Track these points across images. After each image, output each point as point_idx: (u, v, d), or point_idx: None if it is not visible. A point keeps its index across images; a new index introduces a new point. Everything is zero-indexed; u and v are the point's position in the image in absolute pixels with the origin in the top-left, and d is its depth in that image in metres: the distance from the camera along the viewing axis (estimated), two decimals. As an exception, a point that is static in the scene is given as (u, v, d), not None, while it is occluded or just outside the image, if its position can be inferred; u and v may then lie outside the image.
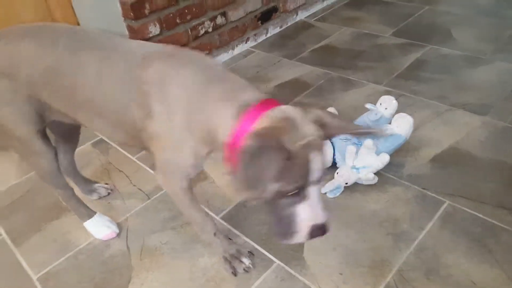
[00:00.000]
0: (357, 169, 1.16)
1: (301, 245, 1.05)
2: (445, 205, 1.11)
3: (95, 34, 0.87)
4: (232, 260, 1.00)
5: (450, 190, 1.15)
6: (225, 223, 1.14)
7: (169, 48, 0.84)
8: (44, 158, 0.97)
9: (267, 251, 1.05)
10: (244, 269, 0.99)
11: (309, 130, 0.69)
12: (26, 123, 0.90)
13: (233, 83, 0.79)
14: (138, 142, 0.86)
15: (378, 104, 1.29)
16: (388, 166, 1.20)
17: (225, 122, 0.74)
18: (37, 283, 1.04)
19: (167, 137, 0.79)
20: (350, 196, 1.17)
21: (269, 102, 0.74)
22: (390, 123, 1.25)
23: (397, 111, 1.27)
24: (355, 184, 1.19)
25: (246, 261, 1.00)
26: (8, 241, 1.17)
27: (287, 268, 1.00)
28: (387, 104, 1.27)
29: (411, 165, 1.24)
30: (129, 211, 1.22)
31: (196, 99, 0.75)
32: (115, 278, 1.03)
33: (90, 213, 1.13)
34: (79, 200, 1.12)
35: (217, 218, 1.16)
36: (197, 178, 1.32)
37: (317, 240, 1.05)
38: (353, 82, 1.69)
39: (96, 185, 1.27)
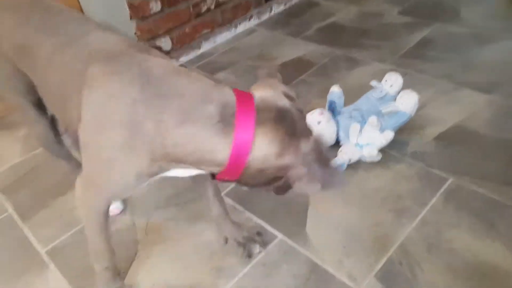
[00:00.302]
0: (361, 146, 1.16)
1: (304, 221, 1.06)
2: (448, 182, 1.11)
3: (68, 18, 0.82)
4: (246, 242, 1.00)
5: (454, 167, 1.15)
6: (229, 199, 1.15)
7: (125, 46, 0.71)
8: (38, 127, 1.03)
9: (271, 226, 1.06)
10: (259, 251, 1.00)
11: (296, 111, 0.66)
12: (18, 93, 0.95)
13: (190, 96, 0.63)
14: None
15: (383, 81, 1.28)
16: (392, 144, 1.20)
17: (214, 142, 0.62)
18: (44, 257, 1.07)
19: (95, 150, 0.68)
20: (353, 174, 1.17)
21: (243, 100, 0.63)
22: (395, 101, 1.24)
23: (402, 89, 1.26)
24: (359, 161, 1.19)
25: (258, 239, 1.01)
26: (16, 217, 1.19)
27: (290, 242, 1.02)
28: (392, 81, 1.25)
29: (415, 143, 1.24)
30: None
31: (144, 116, 0.62)
32: (121, 251, 1.05)
33: None
34: None
35: (221, 194, 1.17)
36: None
37: (320, 216, 1.07)
38: (358, 61, 1.67)
39: None
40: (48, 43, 0.78)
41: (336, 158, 1.17)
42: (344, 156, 1.16)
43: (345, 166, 1.18)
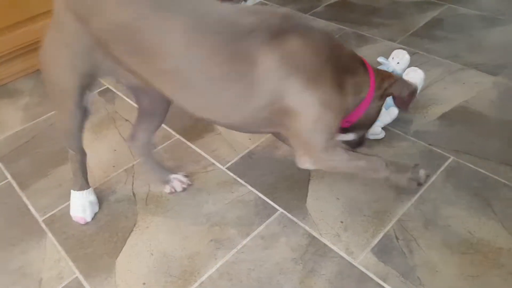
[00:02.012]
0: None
1: (304, 195, 1.07)
2: (449, 160, 1.11)
3: None
4: (413, 176, 0.98)
5: (455, 146, 1.14)
6: (231, 173, 1.15)
7: (287, 17, 0.76)
8: (71, 117, 0.91)
9: (271, 200, 1.06)
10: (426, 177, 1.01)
11: None
12: (75, 72, 0.83)
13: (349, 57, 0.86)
14: (252, 122, 0.80)
15: (390, 58, 1.26)
16: (396, 122, 1.19)
17: (367, 80, 0.86)
18: (43, 225, 1.07)
19: (314, 106, 0.76)
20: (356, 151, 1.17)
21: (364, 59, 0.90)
22: (400, 78, 1.22)
23: (409, 67, 1.24)
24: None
25: (422, 172, 1.00)
26: (14, 185, 1.20)
27: (289, 215, 1.02)
28: (399, 58, 1.23)
29: (419, 122, 1.23)
30: (135, 159, 1.23)
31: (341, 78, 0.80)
32: (121, 221, 1.06)
33: (83, 186, 1.06)
34: (83, 169, 1.05)
35: (223, 168, 1.17)
36: (204, 129, 1.32)
37: (321, 190, 1.07)
38: (367, 38, 1.64)
39: (172, 176, 1.11)
40: (179, 26, 0.71)
41: (342, 134, 1.16)
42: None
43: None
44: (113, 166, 1.22)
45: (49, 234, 1.04)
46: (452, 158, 1.11)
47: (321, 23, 1.78)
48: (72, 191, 1.07)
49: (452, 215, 0.98)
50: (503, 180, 1.04)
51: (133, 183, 1.16)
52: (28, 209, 1.12)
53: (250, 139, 1.26)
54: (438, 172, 1.08)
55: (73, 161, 1.04)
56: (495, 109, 1.25)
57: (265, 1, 2.02)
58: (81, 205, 1.06)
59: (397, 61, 1.24)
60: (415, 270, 0.88)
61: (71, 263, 0.97)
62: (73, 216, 1.07)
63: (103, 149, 1.28)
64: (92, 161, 1.23)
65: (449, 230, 0.95)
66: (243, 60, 0.72)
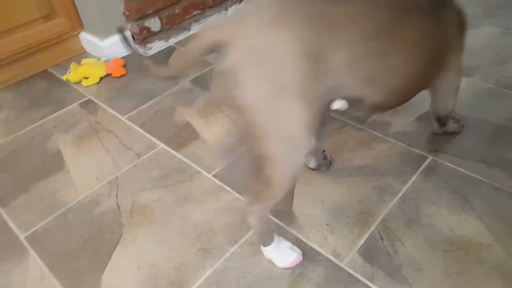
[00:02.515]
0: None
1: (290, 199, 1.08)
2: (428, 160, 1.14)
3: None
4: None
5: (434, 146, 1.18)
6: (217, 181, 1.16)
7: None
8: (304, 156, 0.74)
9: (257, 206, 1.07)
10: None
11: None
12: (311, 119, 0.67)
13: None
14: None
15: None
16: (375, 125, 1.22)
17: None
18: (24, 242, 1.04)
19: None
20: (340, 153, 1.19)
21: None
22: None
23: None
24: (344, 141, 1.21)
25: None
26: (-4, 201, 1.17)
27: (276, 221, 1.03)
28: None
29: (397, 124, 1.27)
30: (119, 171, 1.22)
31: None
32: (105, 234, 1.04)
33: (273, 237, 0.92)
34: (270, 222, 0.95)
35: (209, 176, 1.18)
36: (189, 137, 1.32)
37: (306, 194, 1.08)
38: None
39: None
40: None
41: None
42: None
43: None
44: (96, 178, 1.20)
45: (31, 252, 1.02)
46: (431, 157, 1.15)
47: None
48: (264, 248, 0.92)
49: (433, 214, 1.01)
50: (480, 177, 1.08)
51: (117, 195, 1.15)
52: (9, 227, 1.09)
53: (236, 145, 1.27)
54: (418, 172, 1.11)
55: (265, 218, 0.87)
56: (470, 109, 1.29)
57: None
58: (284, 254, 0.92)
59: None
60: (401, 270, 0.90)
61: (55, 280, 0.95)
62: (289, 265, 0.93)
63: (85, 161, 1.26)
64: (74, 174, 1.22)
65: (431, 228, 0.98)
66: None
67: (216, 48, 0.62)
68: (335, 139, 1.24)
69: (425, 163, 1.13)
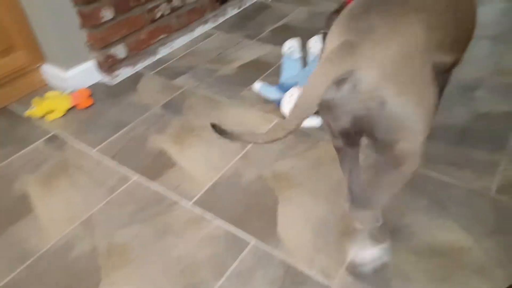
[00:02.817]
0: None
1: (274, 220, 1.04)
2: (409, 168, 1.13)
3: None
4: None
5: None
6: (197, 209, 1.11)
7: None
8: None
9: (243, 231, 1.03)
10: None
11: None
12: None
13: None
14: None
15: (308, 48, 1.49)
16: (354, 136, 1.21)
17: None
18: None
19: None
20: (319, 167, 1.17)
21: None
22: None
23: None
24: (321, 156, 1.20)
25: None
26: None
27: (262, 246, 0.99)
28: (311, 44, 1.46)
29: (375, 133, 1.26)
30: (92, 209, 1.15)
31: None
32: (82, 281, 0.97)
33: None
34: None
35: (189, 204, 1.12)
36: (163, 165, 1.26)
37: (290, 213, 1.05)
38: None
39: None
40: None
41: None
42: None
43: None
44: (68, 220, 1.13)
45: (1, 309, 0.93)
46: (411, 165, 1.14)
47: (267, 48, 1.81)
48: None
49: (414, 222, 1.00)
50: (452, 180, 1.09)
51: (92, 235, 1.08)
52: (-26, 282, 1.00)
53: (213, 170, 1.22)
54: (401, 180, 1.10)
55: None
56: (438, 115, 1.31)
57: (213, 30, 2.02)
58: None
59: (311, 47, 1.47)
60: (390, 283, 0.88)
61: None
62: None
63: (55, 202, 1.18)
64: (44, 217, 1.14)
65: (414, 237, 0.96)
66: None
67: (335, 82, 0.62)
68: (312, 154, 1.22)
69: (407, 171, 1.13)
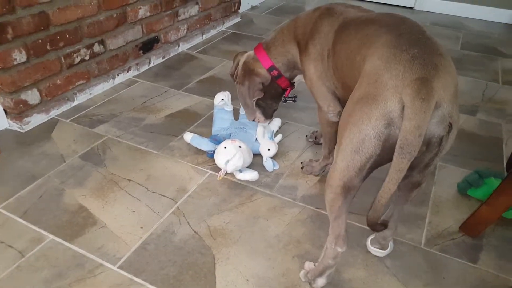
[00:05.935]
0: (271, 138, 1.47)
1: (212, 282, 1.00)
2: (336, 221, 1.22)
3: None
4: None
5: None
6: (125, 273, 1.01)
7: None
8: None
9: (177, 296, 0.97)
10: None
11: None
12: None
13: None
14: None
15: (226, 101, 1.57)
16: (284, 190, 1.27)
17: None
18: None
19: None
20: (254, 223, 1.19)
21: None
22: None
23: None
24: (257, 209, 1.22)
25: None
26: None
27: (201, 310, 0.94)
28: (225, 97, 1.56)
29: (303, 187, 1.34)
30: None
31: None
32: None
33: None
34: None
35: (114, 268, 1.02)
36: (84, 223, 1.15)
37: (228, 273, 1.03)
38: (236, 111, 1.75)
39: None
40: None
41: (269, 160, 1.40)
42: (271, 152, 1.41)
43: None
44: (141, 228, 1.15)
45: None
46: (337, 218, 1.23)
47: (195, 99, 1.83)
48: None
49: (353, 277, 1.04)
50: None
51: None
52: None
53: (142, 227, 1.15)
54: (329, 234, 1.17)
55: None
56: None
57: (136, 78, 1.99)
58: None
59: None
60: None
61: None
62: None
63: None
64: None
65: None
66: None
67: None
68: (247, 208, 1.24)
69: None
